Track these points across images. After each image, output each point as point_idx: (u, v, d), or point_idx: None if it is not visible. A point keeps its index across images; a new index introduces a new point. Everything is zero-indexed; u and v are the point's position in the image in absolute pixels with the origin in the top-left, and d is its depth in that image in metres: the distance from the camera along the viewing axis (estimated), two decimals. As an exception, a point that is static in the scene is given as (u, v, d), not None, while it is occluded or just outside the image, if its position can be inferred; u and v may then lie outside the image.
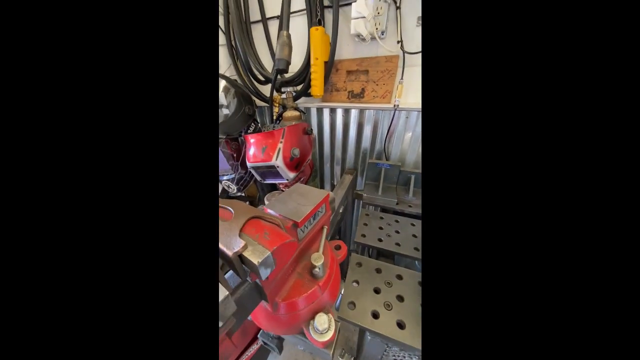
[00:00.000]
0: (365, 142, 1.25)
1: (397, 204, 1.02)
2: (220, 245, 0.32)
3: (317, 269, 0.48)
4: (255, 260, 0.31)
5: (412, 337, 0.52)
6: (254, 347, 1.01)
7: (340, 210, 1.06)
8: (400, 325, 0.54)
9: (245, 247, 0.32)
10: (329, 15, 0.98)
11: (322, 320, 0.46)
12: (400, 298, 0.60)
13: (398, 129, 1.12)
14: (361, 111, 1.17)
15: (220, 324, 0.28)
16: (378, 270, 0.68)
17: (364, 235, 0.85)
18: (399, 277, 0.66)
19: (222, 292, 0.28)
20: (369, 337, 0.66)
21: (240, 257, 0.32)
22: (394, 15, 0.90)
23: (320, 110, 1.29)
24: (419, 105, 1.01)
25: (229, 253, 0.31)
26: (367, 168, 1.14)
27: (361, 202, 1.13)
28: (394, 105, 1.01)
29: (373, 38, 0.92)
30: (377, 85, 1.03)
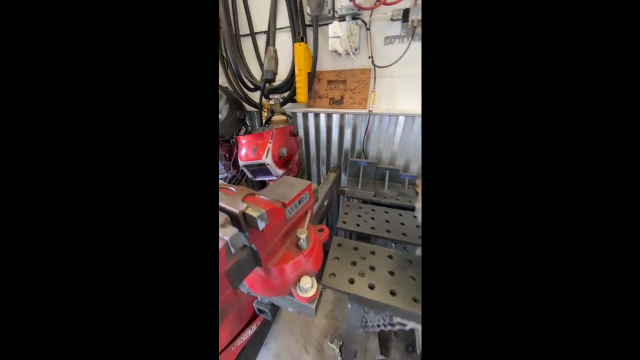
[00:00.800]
0: (347, 143, 1.39)
1: (374, 195, 1.17)
2: (228, 207, 0.43)
3: (301, 241, 0.60)
4: (254, 214, 0.42)
5: (380, 295, 0.64)
6: (248, 333, 1.09)
7: (325, 203, 1.18)
8: (371, 287, 0.66)
9: (247, 207, 0.44)
10: (310, 33, 1.12)
11: (306, 281, 0.57)
12: (372, 268, 0.73)
13: (374, 131, 1.28)
14: (341, 116, 1.32)
15: (232, 250, 0.38)
16: (355, 248, 0.81)
17: (344, 222, 0.97)
18: (372, 252, 0.79)
19: (233, 231, 0.39)
20: (349, 306, 0.77)
21: (243, 215, 0.43)
22: (365, 35, 1.06)
23: (305, 115, 1.42)
24: (390, 111, 1.17)
25: (236, 211, 0.42)
26: (349, 166, 1.28)
27: (344, 196, 1.26)
28: (369, 111, 1.17)
29: (348, 54, 1.08)
30: (354, 93, 1.18)
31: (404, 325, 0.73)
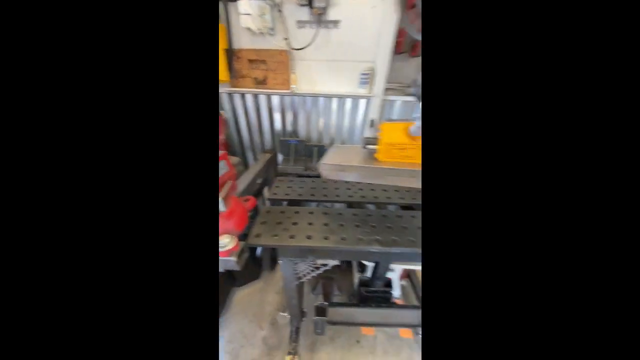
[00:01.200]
0: (277, 124, 1.45)
1: (305, 170, 1.29)
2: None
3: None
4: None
5: (298, 241, 0.76)
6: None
7: (259, 181, 1.23)
8: (292, 237, 0.78)
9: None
10: (222, 8, 1.09)
11: (224, 238, 0.63)
12: (295, 223, 0.84)
13: (300, 111, 1.39)
14: (268, 97, 1.36)
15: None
16: (282, 212, 0.90)
17: (275, 193, 1.05)
18: (297, 212, 0.90)
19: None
20: (280, 262, 0.87)
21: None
22: (278, 16, 1.11)
23: (231, 97, 1.38)
24: (312, 91, 1.29)
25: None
26: (280, 145, 1.36)
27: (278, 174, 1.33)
28: (291, 91, 1.26)
29: (264, 33, 1.11)
30: (275, 73, 1.24)
31: (325, 265, 0.89)
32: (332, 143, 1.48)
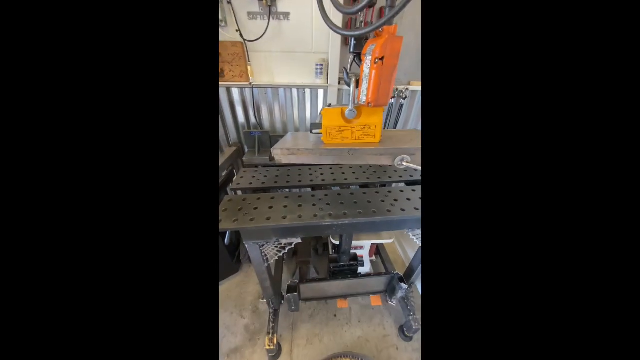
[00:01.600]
0: (240, 118, 1.46)
1: (270, 160, 1.33)
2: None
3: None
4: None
5: (257, 223, 0.81)
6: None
7: (223, 174, 1.25)
8: (252, 220, 0.83)
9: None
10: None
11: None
12: (255, 208, 0.90)
13: (262, 103, 1.41)
14: (228, 90, 1.36)
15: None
16: (244, 200, 0.95)
17: (238, 183, 1.09)
18: (258, 198, 0.96)
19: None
20: (246, 245, 0.92)
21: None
22: (228, 8, 1.11)
23: (189, 90, 1.35)
24: (271, 83, 1.32)
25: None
26: (244, 138, 1.38)
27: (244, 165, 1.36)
28: (250, 83, 1.27)
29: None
30: (232, 66, 1.24)
31: (290, 244, 0.97)
32: (297, 133, 1.54)
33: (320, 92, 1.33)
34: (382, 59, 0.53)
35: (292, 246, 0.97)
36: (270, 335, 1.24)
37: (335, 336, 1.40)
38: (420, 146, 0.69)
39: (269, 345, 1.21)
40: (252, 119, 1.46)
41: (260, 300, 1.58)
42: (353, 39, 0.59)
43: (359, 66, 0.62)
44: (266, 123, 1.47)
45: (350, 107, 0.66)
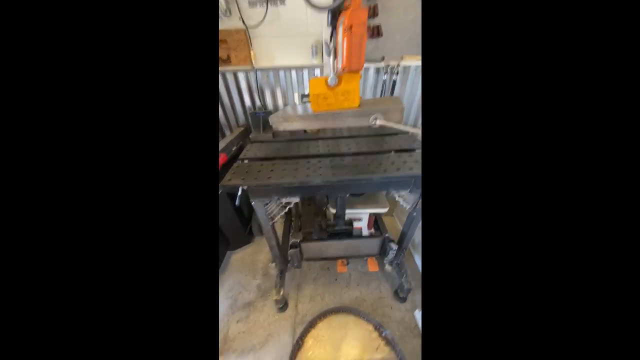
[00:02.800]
0: (247, 101, 1.62)
1: (273, 136, 1.49)
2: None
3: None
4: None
5: (259, 180, 0.98)
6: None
7: (233, 149, 1.43)
8: (256, 179, 1.00)
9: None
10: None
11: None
12: (258, 171, 1.06)
13: (264, 86, 1.55)
14: (235, 75, 1.51)
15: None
16: (249, 166, 1.12)
17: (245, 154, 1.26)
18: (261, 164, 1.12)
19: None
20: (253, 204, 1.10)
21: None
22: (232, -2, 1.25)
23: (201, 77, 1.53)
24: (271, 65, 1.45)
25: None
26: (251, 118, 1.54)
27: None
28: (253, 67, 1.42)
29: (221, 15, 1.25)
30: (237, 52, 1.39)
31: (289, 203, 1.13)
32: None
33: (317, 71, 1.44)
34: (350, 28, 0.63)
35: (292, 205, 1.13)
36: (278, 288, 1.45)
37: (335, 296, 1.57)
38: (393, 107, 0.79)
39: (276, 297, 1.42)
40: (257, 102, 1.62)
41: (270, 264, 1.80)
42: (330, 13, 0.70)
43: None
44: (269, 104, 1.62)
45: (331, 74, 0.78)
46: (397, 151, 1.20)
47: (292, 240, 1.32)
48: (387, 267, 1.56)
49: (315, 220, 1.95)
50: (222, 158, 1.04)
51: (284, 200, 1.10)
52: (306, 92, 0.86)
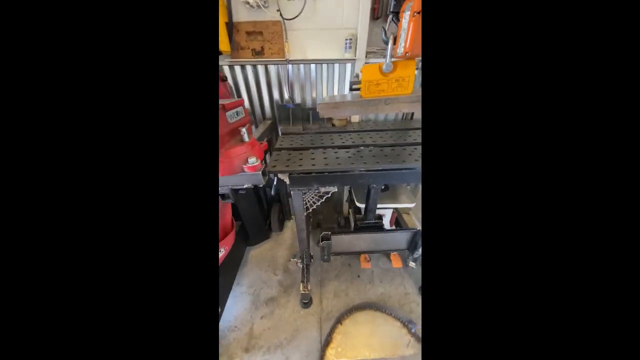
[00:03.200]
0: (275, 94, 1.62)
1: (302, 130, 1.49)
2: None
3: (243, 133, 0.84)
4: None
5: (304, 167, 0.97)
6: (221, 252, 1.27)
7: (265, 140, 1.42)
8: (301, 166, 0.99)
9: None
10: (220, -15, 1.23)
11: (252, 158, 0.84)
12: (300, 159, 1.05)
13: (294, 79, 1.56)
14: (266, 68, 1.52)
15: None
16: (289, 154, 1.11)
17: (281, 144, 1.26)
18: (300, 153, 1.12)
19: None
20: (292, 192, 1.09)
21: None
22: (271, -10, 1.26)
23: (232, 68, 1.53)
24: (303, 58, 1.46)
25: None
26: (279, 110, 1.54)
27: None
28: (286, 59, 1.42)
29: (260, 6, 1.26)
30: (271, 44, 1.40)
31: (328, 193, 1.12)
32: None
33: (348, 66, 1.45)
34: (419, 12, 0.64)
35: (329, 195, 1.13)
36: (305, 283, 1.42)
37: (360, 292, 1.55)
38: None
39: (304, 290, 1.39)
40: (285, 96, 1.62)
41: (290, 259, 1.77)
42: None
43: (397, 24, 0.74)
44: (297, 98, 1.63)
45: (387, 61, 0.79)
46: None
47: (323, 233, 1.30)
48: (412, 264, 1.54)
49: (340, 215, 1.95)
50: (265, 145, 1.04)
51: (322, 190, 1.09)
52: (346, 83, 0.86)
